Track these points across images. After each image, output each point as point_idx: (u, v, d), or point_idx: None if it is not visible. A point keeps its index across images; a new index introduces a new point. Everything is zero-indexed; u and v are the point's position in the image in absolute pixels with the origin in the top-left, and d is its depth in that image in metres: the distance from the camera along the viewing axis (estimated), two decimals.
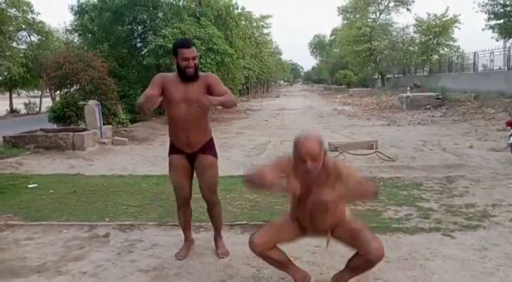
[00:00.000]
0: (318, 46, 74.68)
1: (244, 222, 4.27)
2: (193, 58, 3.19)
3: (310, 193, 2.62)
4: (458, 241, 3.73)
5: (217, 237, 3.66)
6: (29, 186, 6.11)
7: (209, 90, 3.22)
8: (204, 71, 13.13)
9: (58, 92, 14.45)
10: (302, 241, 3.12)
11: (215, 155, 3.48)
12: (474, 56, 23.43)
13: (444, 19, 28.55)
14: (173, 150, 3.47)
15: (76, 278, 3.23)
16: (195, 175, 3.53)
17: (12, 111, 26.80)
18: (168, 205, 4.95)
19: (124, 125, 12.40)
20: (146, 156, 8.86)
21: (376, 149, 8.10)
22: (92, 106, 9.89)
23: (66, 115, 10.93)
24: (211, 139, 3.50)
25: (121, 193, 5.64)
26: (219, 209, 3.62)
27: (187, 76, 3.20)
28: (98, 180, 6.50)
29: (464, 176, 6.06)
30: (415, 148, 8.64)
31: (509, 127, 6.98)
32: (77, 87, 11.60)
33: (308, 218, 2.74)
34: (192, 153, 3.40)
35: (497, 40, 19.75)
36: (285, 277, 3.05)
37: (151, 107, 3.14)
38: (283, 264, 2.87)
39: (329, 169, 2.59)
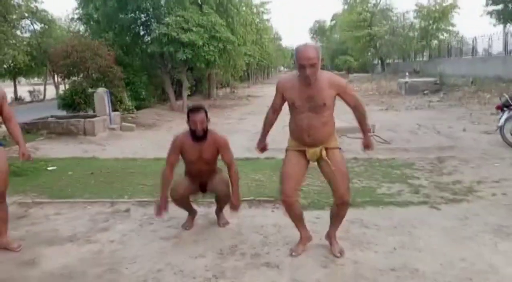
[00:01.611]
0: (319, 31, 74.44)
1: (251, 197, 4.72)
2: (201, 122, 3.72)
3: (309, 100, 3.03)
4: (443, 212, 4.18)
5: (219, 212, 4.14)
6: (49, 168, 6.55)
7: (218, 152, 3.85)
8: (207, 59, 13.38)
9: (66, 80, 14.77)
10: (304, 214, 3.54)
11: (221, 172, 4.04)
12: (473, 41, 23.73)
13: (444, 4, 28.70)
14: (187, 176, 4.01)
15: (105, 246, 3.68)
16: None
17: (17, 99, 27.15)
18: None
19: (130, 111, 12.80)
20: (154, 141, 9.29)
21: (373, 132, 8.50)
22: (101, 94, 10.28)
23: (75, 103, 11.32)
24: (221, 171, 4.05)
25: (136, 174, 6.09)
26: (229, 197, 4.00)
27: (196, 137, 3.76)
28: (112, 162, 6.94)
29: (455, 156, 6.50)
30: (411, 131, 9.06)
31: (499, 111, 7.39)
32: (85, 75, 11.96)
33: (306, 130, 3.10)
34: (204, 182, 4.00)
35: (495, 26, 20.01)
36: (289, 243, 3.50)
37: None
38: (300, 219, 3.36)
39: (326, 79, 3.03)
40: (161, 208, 3.75)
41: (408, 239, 3.56)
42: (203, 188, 4.01)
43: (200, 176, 3.92)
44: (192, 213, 4.13)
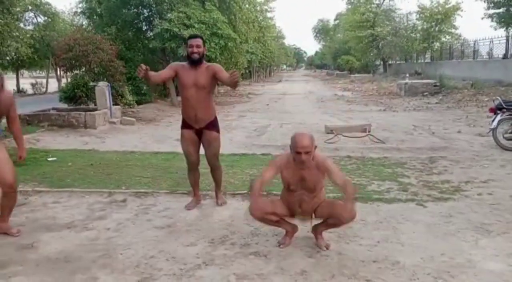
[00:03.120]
0: (322, 31, 74.55)
1: (245, 191, 4.85)
2: (197, 46, 4.00)
3: (302, 181, 3.29)
4: (429, 209, 4.32)
5: (217, 190, 4.47)
6: (49, 159, 6.70)
7: (215, 77, 4.04)
8: (208, 56, 13.57)
9: (68, 73, 14.92)
10: None
11: (218, 131, 4.32)
12: (474, 44, 23.80)
13: (446, 6, 28.70)
14: (184, 125, 4.29)
15: (102, 233, 3.82)
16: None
17: (19, 91, 27.30)
18: (177, 177, 5.54)
19: (131, 106, 12.95)
20: (154, 135, 9.44)
21: (369, 132, 8.66)
22: (102, 88, 10.42)
23: (77, 96, 11.46)
24: (215, 118, 4.33)
25: (134, 166, 6.23)
26: (220, 171, 4.50)
27: (192, 60, 4.00)
28: (112, 155, 7.09)
29: (446, 157, 6.64)
30: (406, 131, 9.19)
31: (492, 114, 7.51)
32: (87, 69, 12.09)
33: (297, 203, 3.39)
34: (200, 129, 4.21)
35: (495, 29, 20.07)
36: (278, 234, 3.64)
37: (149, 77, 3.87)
38: (278, 222, 3.48)
39: (318, 163, 3.29)
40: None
41: (392, 234, 3.71)
42: (199, 134, 4.23)
43: (195, 110, 4.09)
44: (196, 194, 4.46)
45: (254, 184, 3.39)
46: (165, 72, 4.13)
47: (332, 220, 3.35)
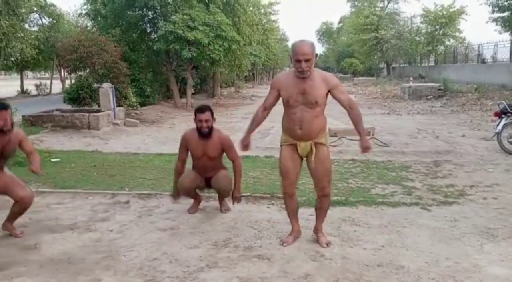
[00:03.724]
0: (326, 33, 74.40)
1: (248, 194, 4.84)
2: (206, 121, 4.07)
3: (302, 94, 3.17)
4: (433, 213, 4.29)
5: (221, 199, 4.42)
6: (53, 160, 6.71)
7: (223, 150, 4.20)
8: (212, 58, 13.57)
9: (72, 74, 14.97)
10: (299, 211, 3.68)
11: (226, 169, 4.34)
12: (479, 48, 23.73)
13: (451, 10, 28.67)
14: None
15: (104, 234, 3.82)
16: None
17: (23, 92, 27.40)
18: None
19: (135, 108, 12.98)
20: (157, 137, 9.45)
21: (372, 135, 8.61)
22: (106, 89, 10.45)
23: (81, 97, 11.50)
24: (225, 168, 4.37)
25: (137, 168, 6.24)
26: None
27: (202, 134, 4.10)
28: (115, 156, 7.09)
29: (451, 161, 6.61)
30: (410, 135, 9.16)
31: (496, 118, 7.48)
32: (91, 70, 12.13)
33: (298, 124, 3.25)
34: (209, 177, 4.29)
35: (500, 33, 20.00)
36: (281, 237, 3.63)
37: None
38: (294, 212, 3.56)
39: (319, 75, 3.21)
40: (174, 197, 4.35)
41: (397, 238, 3.68)
42: (208, 182, 4.28)
43: (205, 171, 4.22)
44: (197, 199, 4.42)
45: (253, 117, 3.45)
46: (183, 154, 4.27)
47: (316, 203, 3.50)
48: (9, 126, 3.52)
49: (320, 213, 3.53)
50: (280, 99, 3.36)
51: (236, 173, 4.21)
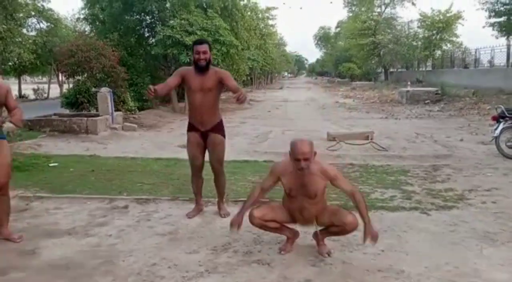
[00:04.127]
0: (323, 38, 74.61)
1: (246, 198, 4.82)
2: (204, 52, 3.96)
3: (303, 187, 3.26)
4: (433, 218, 4.29)
5: (220, 202, 4.40)
6: (51, 164, 6.68)
7: (221, 83, 4.04)
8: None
9: (70, 79, 14.96)
10: None
11: (223, 135, 4.28)
12: (476, 52, 23.85)
13: (448, 15, 28.81)
14: (191, 127, 4.27)
15: (103, 239, 3.80)
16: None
17: (21, 96, 27.36)
18: (179, 183, 5.52)
19: (133, 112, 12.96)
20: (155, 141, 9.42)
21: (371, 139, 8.64)
22: (104, 93, 10.44)
23: (79, 102, 11.47)
24: (221, 121, 4.29)
25: (135, 172, 6.21)
26: (224, 179, 4.44)
27: (199, 67, 3.98)
28: (113, 161, 7.07)
29: (449, 165, 6.61)
30: (408, 139, 9.17)
31: (494, 122, 7.50)
32: (89, 75, 12.12)
33: (298, 210, 3.36)
34: (205, 131, 4.17)
35: (497, 38, 20.14)
36: (281, 242, 3.61)
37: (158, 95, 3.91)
38: (278, 229, 3.48)
39: (323, 169, 3.27)
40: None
41: (397, 242, 3.67)
42: (204, 137, 4.18)
43: (202, 114, 4.09)
44: (198, 203, 4.41)
45: (250, 196, 3.44)
46: (172, 80, 4.09)
47: (334, 228, 3.33)
48: None
49: (330, 233, 3.48)
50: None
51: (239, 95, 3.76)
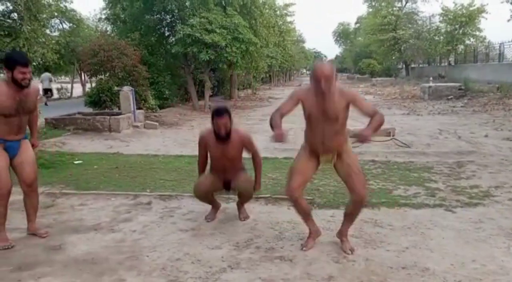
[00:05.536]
0: (342, 34, 73.97)
1: (268, 195, 4.83)
2: (224, 126, 3.90)
3: (323, 111, 3.19)
4: (458, 215, 4.21)
5: (241, 206, 4.30)
6: (75, 162, 6.82)
7: (243, 149, 4.10)
8: (229, 60, 13.62)
9: (93, 78, 15.20)
10: (320, 213, 3.67)
11: (245, 171, 4.22)
12: (500, 47, 23.26)
13: (471, 8, 28.17)
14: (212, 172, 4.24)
15: (127, 235, 3.86)
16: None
17: (45, 95, 27.93)
18: None
19: (154, 110, 13.09)
20: (176, 139, 9.51)
21: (393, 136, 8.52)
22: (126, 92, 10.58)
23: (101, 100, 11.65)
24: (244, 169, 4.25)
25: (158, 170, 6.28)
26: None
27: (220, 137, 3.96)
28: (136, 158, 7.17)
29: (474, 162, 6.47)
30: (431, 135, 9.01)
31: None
32: (111, 74, 12.29)
33: (320, 139, 3.28)
34: (228, 179, 4.17)
35: None
36: (303, 238, 3.60)
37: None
38: (307, 214, 3.49)
39: (344, 92, 3.23)
40: None
41: (421, 239, 3.62)
42: (227, 185, 4.16)
43: (224, 172, 4.09)
44: (215, 205, 4.32)
45: (274, 118, 3.19)
46: (202, 155, 4.19)
47: (347, 208, 3.41)
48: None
49: (350, 218, 3.46)
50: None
51: (257, 169, 4.14)
